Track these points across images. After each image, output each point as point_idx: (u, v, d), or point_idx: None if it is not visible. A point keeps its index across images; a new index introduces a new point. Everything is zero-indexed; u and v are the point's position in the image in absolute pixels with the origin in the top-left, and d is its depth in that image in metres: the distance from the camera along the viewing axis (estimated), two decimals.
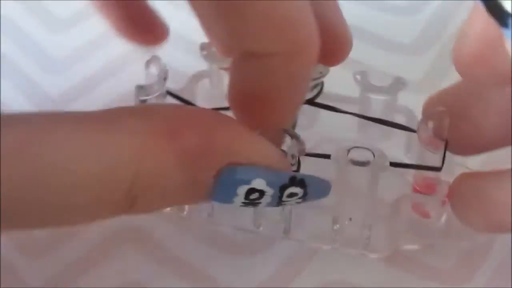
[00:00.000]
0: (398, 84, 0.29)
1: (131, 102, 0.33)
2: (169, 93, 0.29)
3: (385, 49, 0.36)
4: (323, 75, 0.29)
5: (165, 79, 0.28)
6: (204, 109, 0.25)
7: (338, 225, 0.27)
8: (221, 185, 0.23)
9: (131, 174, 0.22)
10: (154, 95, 0.28)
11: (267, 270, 0.29)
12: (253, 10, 0.23)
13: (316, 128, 0.31)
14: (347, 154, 0.26)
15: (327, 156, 0.26)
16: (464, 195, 0.26)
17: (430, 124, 0.26)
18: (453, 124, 0.26)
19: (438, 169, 0.27)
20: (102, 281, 0.28)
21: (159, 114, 0.23)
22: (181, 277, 0.28)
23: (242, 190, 0.23)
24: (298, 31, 0.24)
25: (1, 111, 0.31)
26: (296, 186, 0.24)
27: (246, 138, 0.24)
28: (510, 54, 0.22)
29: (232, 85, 0.26)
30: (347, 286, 0.28)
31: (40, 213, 0.22)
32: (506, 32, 0.21)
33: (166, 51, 0.30)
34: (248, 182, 0.23)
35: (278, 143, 0.26)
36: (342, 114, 0.29)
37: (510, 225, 0.25)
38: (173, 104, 0.25)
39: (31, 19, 0.39)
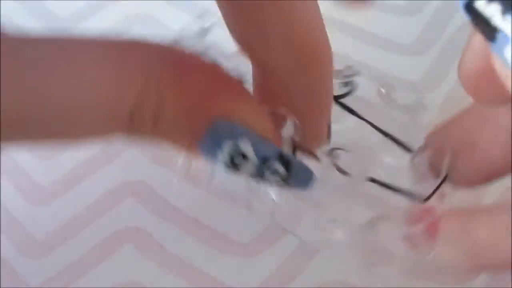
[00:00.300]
0: (420, 105, 0.29)
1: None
2: None
3: (385, 49, 0.36)
4: (354, 74, 0.29)
5: None
6: (216, 65, 0.25)
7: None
8: (210, 133, 0.23)
9: (136, 93, 0.23)
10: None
11: (267, 270, 0.29)
12: (275, 36, 0.24)
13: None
14: (332, 156, 0.26)
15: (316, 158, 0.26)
16: (449, 234, 0.26)
17: (426, 155, 0.26)
18: (459, 153, 0.26)
19: (420, 199, 0.26)
20: (102, 281, 0.28)
21: (168, 51, 0.24)
22: (181, 277, 0.28)
23: (227, 146, 0.23)
24: (316, 46, 0.24)
25: None
26: (281, 163, 0.24)
27: (249, 106, 0.24)
28: (500, 70, 0.22)
29: (255, 91, 0.26)
30: (347, 286, 0.28)
31: (45, 125, 0.23)
32: (493, 47, 0.21)
33: None
34: (235, 137, 0.23)
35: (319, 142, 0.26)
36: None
37: (492, 263, 0.25)
38: (181, 48, 0.25)
39: (31, 19, 0.39)
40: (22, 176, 0.32)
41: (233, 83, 0.25)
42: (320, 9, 0.25)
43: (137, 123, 0.24)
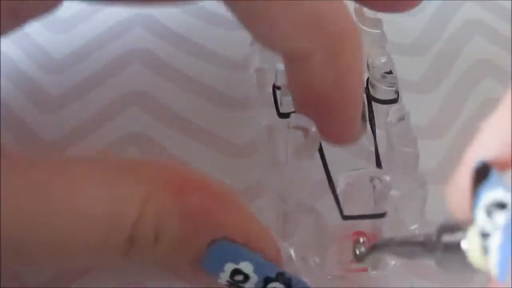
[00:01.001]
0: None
1: (130, 102, 0.33)
2: None
3: None
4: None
5: None
6: (214, 180, 0.25)
7: None
8: (212, 255, 0.24)
9: (135, 214, 0.23)
10: None
11: None
12: (275, 11, 0.23)
13: None
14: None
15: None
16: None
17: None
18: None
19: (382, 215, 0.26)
20: (102, 281, 0.28)
21: (168, 168, 0.24)
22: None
23: (228, 267, 0.24)
24: (330, 22, 0.24)
25: (1, 111, 0.32)
26: (281, 283, 0.24)
27: (248, 218, 0.25)
28: None
29: (289, 87, 0.26)
30: (346, 286, 0.28)
31: (45, 251, 0.23)
32: None
33: None
34: (236, 262, 0.24)
35: (357, 133, 0.26)
36: None
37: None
38: (184, 166, 0.26)
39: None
40: None
41: (235, 201, 0.25)
42: None
43: (137, 246, 0.24)
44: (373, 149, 0.29)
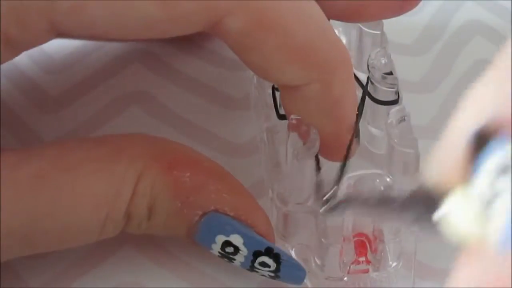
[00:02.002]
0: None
1: (130, 102, 0.33)
2: None
3: None
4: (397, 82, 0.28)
5: None
6: (205, 156, 0.26)
7: None
8: (203, 227, 0.25)
9: (131, 192, 0.24)
10: None
11: None
12: (268, 45, 0.23)
13: None
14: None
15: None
16: None
17: None
18: None
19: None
20: (102, 281, 0.28)
21: (159, 144, 0.25)
22: (181, 277, 0.28)
23: (220, 239, 0.25)
24: (323, 53, 0.24)
25: (1, 111, 0.32)
26: (270, 257, 0.25)
27: (238, 193, 0.26)
28: None
29: (284, 108, 0.27)
30: (346, 285, 0.28)
31: (51, 237, 0.24)
32: None
33: None
34: (226, 234, 0.25)
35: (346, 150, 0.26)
36: None
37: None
38: (174, 142, 0.26)
39: None
40: None
41: (226, 176, 0.26)
42: None
43: (133, 221, 0.25)
44: (374, 150, 0.29)
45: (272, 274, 0.26)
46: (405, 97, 0.30)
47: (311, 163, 0.26)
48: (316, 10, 0.24)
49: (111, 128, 0.32)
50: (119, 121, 0.32)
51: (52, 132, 0.32)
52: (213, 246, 0.25)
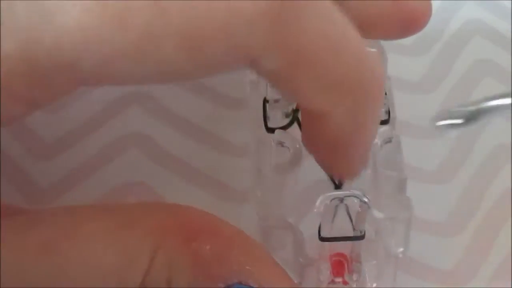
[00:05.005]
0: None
1: (130, 102, 0.33)
2: None
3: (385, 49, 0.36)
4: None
5: None
6: (226, 223, 0.25)
7: None
8: None
9: (146, 264, 0.23)
10: None
11: None
12: (303, 79, 0.22)
13: None
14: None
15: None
16: None
17: None
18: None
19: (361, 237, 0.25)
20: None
21: (177, 213, 0.24)
22: None
23: None
24: (358, 82, 0.23)
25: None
26: None
27: (263, 263, 0.24)
28: None
29: (303, 132, 0.26)
30: (346, 285, 0.28)
31: None
32: None
33: None
34: None
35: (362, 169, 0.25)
36: None
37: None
38: (194, 209, 0.25)
39: None
40: None
41: (249, 244, 0.24)
42: None
43: None
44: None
45: None
46: (405, 97, 0.30)
47: (293, 177, 0.25)
48: (353, 39, 0.22)
49: (111, 128, 0.32)
50: (119, 121, 0.32)
51: (52, 132, 0.32)
52: None
